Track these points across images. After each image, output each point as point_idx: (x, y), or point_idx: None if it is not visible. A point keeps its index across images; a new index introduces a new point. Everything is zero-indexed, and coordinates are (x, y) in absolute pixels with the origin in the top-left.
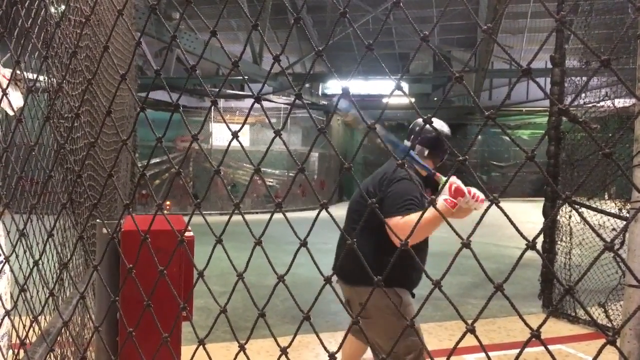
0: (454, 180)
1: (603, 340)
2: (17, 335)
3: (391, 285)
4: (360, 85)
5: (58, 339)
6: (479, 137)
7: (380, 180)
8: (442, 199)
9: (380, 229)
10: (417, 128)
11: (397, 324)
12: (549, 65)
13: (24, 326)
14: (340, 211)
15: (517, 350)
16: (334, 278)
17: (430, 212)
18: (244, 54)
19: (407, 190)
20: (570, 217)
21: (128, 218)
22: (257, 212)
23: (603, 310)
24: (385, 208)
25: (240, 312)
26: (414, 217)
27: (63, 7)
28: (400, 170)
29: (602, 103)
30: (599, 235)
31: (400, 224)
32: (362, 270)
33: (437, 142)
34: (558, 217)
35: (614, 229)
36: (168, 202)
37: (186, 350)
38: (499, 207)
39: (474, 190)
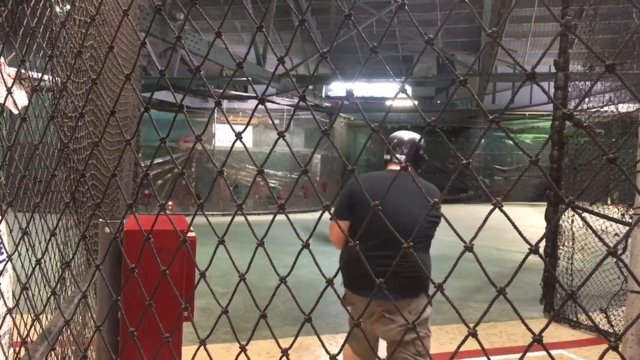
0: None
1: (605, 346)
2: (19, 334)
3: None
4: (363, 88)
5: (59, 337)
6: (482, 140)
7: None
8: None
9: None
10: (397, 141)
11: (427, 326)
12: (553, 70)
13: (26, 324)
14: None
15: (519, 355)
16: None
17: None
18: (248, 55)
19: None
20: (572, 221)
21: (130, 218)
22: (259, 213)
23: (605, 315)
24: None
25: (242, 313)
26: None
27: (68, 6)
28: (433, 185)
29: (606, 108)
30: (601, 240)
31: None
32: (422, 282)
33: (420, 155)
34: (560, 221)
35: (616, 234)
36: (170, 203)
37: (187, 351)
38: (502, 211)
39: None
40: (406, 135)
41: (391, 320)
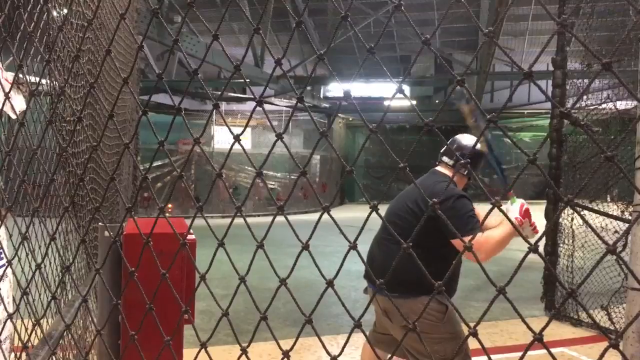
0: (525, 202)
1: (606, 343)
2: (20, 339)
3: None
4: (361, 88)
5: (60, 342)
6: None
7: (430, 196)
8: (514, 217)
9: (435, 243)
10: (456, 145)
11: (443, 329)
12: (551, 68)
13: (26, 329)
14: (341, 214)
15: (520, 354)
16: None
17: (504, 228)
18: (246, 57)
19: (469, 207)
20: (572, 219)
21: (130, 221)
22: (258, 215)
23: (606, 313)
24: (454, 226)
25: (242, 315)
26: (493, 234)
27: (65, 10)
28: (446, 185)
29: (603, 105)
30: (601, 238)
31: (482, 241)
32: (413, 282)
33: (477, 159)
34: (560, 219)
35: (616, 232)
36: (170, 205)
37: (188, 353)
38: (500, 210)
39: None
40: (463, 139)
41: (388, 320)
